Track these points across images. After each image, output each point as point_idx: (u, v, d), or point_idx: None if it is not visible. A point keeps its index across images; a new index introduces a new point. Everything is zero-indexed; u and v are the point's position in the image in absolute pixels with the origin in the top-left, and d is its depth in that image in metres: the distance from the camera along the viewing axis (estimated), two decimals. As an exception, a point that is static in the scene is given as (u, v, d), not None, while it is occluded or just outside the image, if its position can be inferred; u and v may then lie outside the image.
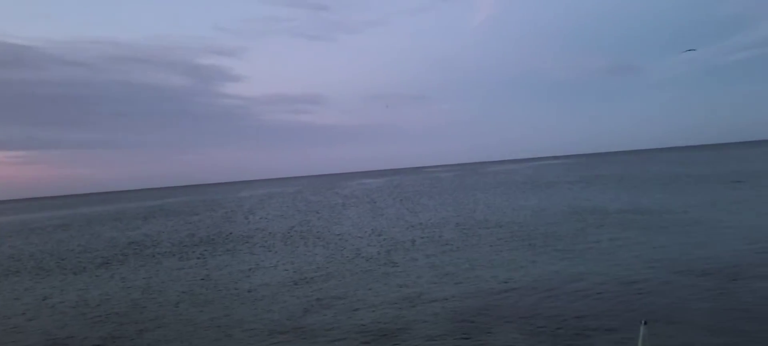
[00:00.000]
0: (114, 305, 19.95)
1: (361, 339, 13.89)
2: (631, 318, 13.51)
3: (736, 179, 57.61)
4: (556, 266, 20.74)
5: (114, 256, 34.27)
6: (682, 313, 13.87)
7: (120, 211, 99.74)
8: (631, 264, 20.15)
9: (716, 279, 17.01)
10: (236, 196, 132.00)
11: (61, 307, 20.46)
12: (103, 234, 51.49)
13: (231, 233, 42.53)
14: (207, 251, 33.36)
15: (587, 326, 13.46)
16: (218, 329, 15.75)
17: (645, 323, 9.47)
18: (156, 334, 15.80)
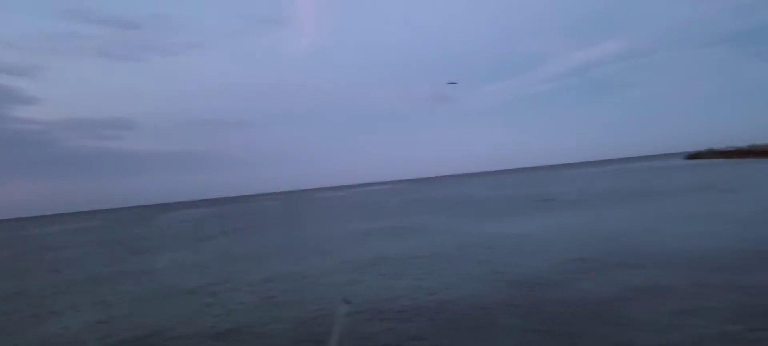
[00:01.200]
0: None
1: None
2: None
3: (545, 198, 64.81)
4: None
5: None
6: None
7: None
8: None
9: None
10: (31, 232, 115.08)
11: None
12: None
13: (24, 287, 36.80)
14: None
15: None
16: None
17: (347, 302, 9.50)
18: None
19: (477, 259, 25.26)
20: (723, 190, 52.13)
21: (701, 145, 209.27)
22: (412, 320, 15.36)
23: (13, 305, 24.89)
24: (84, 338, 16.85)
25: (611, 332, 13.10)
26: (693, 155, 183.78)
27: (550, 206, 52.50)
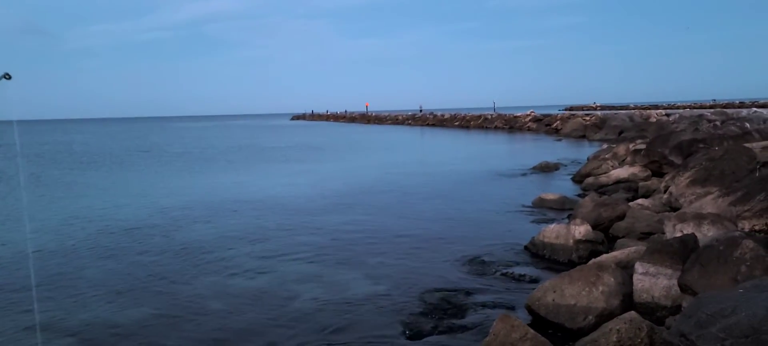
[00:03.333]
0: None
1: None
2: None
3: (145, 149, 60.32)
4: None
5: None
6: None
7: None
8: None
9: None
10: None
11: None
12: None
13: None
14: None
15: None
16: None
17: None
18: None
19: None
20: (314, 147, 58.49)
21: (305, 109, 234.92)
22: None
23: None
24: None
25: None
26: (297, 116, 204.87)
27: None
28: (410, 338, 8.88)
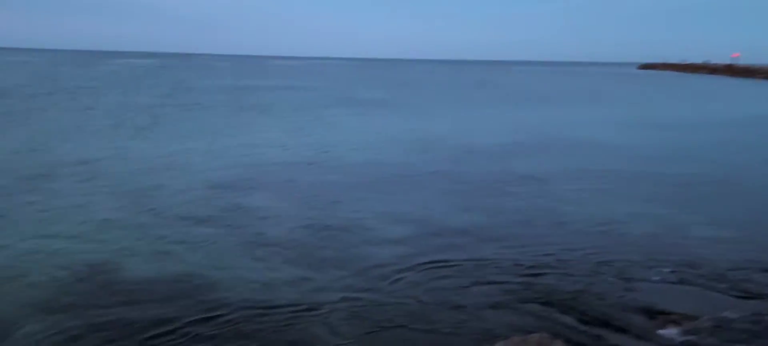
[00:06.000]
0: None
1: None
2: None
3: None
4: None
5: None
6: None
7: None
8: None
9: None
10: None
11: None
12: None
13: None
14: None
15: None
16: None
17: None
18: None
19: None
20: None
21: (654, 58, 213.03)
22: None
23: None
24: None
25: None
26: (645, 66, 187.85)
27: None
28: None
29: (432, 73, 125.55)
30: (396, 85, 70.99)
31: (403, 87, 66.19)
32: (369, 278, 8.81)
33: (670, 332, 6.99)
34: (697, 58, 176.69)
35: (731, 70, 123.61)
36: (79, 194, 13.54)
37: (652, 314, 7.64)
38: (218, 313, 7.53)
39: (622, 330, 7.21)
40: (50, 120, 26.97)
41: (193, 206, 12.75)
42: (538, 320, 7.48)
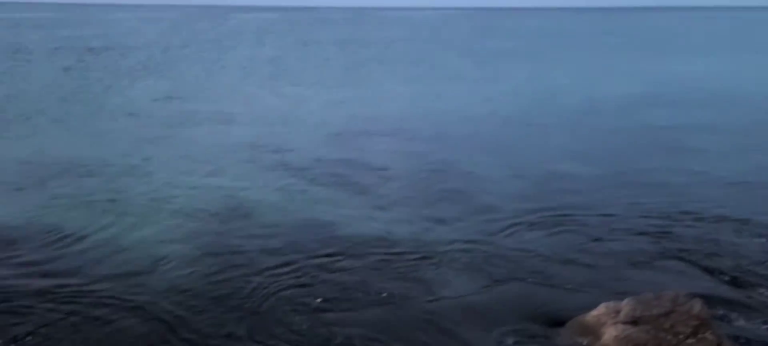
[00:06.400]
0: None
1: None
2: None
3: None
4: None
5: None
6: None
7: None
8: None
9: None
10: (105, 18, 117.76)
11: None
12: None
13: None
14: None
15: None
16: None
17: None
18: None
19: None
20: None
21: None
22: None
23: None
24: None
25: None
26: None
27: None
28: None
29: (552, 21, 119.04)
30: (518, 35, 68.33)
31: (526, 37, 63.58)
32: (487, 229, 8.74)
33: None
34: None
35: None
36: (213, 140, 14.67)
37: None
38: (338, 254, 7.85)
39: (765, 292, 6.64)
40: (184, 71, 29.12)
41: (317, 153, 13.33)
42: (672, 277, 7.05)
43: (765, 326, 5.96)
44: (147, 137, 14.93)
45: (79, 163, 12.19)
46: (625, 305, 5.72)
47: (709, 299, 6.01)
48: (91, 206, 9.66)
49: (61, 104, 19.22)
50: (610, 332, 5.49)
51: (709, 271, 7.16)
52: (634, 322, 5.51)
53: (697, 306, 5.46)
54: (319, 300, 6.60)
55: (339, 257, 7.71)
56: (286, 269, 7.37)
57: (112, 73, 27.12)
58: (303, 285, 7.00)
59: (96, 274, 7.17)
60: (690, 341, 5.24)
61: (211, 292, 6.78)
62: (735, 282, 6.83)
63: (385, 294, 6.75)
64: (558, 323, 6.05)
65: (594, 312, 5.92)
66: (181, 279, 7.08)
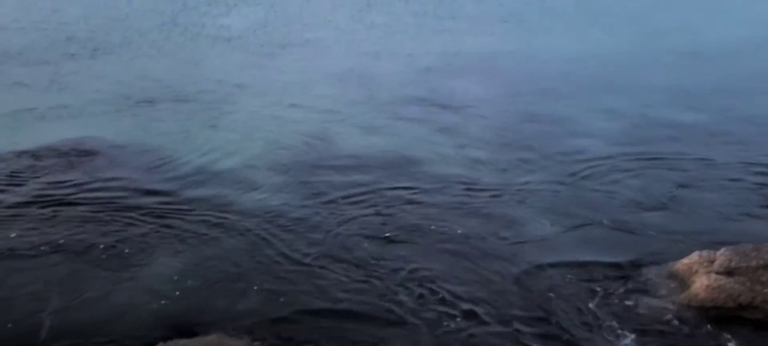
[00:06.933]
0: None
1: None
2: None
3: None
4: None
5: None
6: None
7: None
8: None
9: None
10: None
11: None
12: None
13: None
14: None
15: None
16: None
17: None
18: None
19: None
20: None
21: None
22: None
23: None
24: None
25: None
26: None
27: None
28: None
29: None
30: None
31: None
32: (575, 171, 8.40)
33: None
34: None
35: None
36: (305, 69, 14.97)
37: None
38: (416, 189, 7.86)
39: None
40: (276, 4, 29.38)
41: (403, 89, 13.27)
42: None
43: None
44: (242, 64, 15.46)
45: (178, 88, 12.87)
46: (721, 255, 5.38)
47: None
48: (188, 132, 10.17)
49: (161, 29, 20.11)
50: (701, 281, 5.18)
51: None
52: (728, 272, 5.17)
53: (802, 261, 5.04)
54: (390, 231, 6.68)
55: (417, 192, 7.73)
56: (364, 199, 7.52)
57: (208, 1, 27.81)
58: (378, 214, 7.10)
59: (190, 195, 7.61)
60: (790, 297, 4.86)
61: (291, 214, 7.04)
62: None
63: (460, 231, 6.67)
64: (645, 268, 5.77)
65: (685, 260, 5.61)
66: (266, 202, 7.42)
